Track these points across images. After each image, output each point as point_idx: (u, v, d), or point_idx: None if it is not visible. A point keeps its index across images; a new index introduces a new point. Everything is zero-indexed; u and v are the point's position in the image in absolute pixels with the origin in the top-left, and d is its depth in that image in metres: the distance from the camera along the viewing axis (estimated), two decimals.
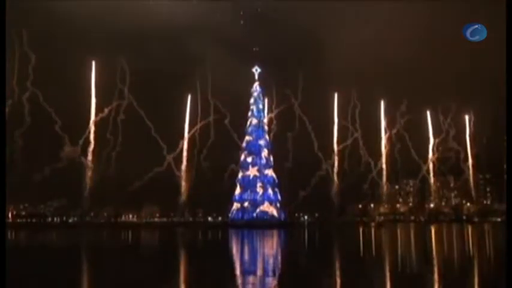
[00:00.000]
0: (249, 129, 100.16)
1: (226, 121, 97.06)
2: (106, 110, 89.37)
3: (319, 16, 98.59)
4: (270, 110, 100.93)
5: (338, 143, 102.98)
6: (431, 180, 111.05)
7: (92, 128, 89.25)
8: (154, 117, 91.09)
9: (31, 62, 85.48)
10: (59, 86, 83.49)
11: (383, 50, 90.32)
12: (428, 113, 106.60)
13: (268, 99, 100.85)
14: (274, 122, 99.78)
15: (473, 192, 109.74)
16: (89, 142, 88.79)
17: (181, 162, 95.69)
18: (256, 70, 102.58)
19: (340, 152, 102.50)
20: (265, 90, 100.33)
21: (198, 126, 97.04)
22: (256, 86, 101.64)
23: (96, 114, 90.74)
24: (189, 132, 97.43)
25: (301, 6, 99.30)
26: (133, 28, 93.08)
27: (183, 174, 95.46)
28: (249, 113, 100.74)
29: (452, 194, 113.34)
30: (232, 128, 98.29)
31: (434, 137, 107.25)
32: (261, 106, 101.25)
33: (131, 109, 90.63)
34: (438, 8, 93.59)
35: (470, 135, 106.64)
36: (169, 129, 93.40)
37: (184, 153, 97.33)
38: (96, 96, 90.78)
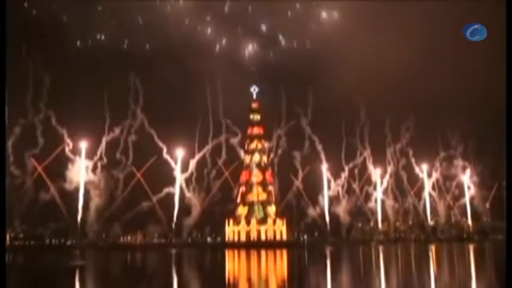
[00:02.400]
0: (250, 148, 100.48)
1: (235, 140, 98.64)
2: (117, 131, 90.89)
3: (324, 33, 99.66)
4: (277, 127, 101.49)
5: (346, 161, 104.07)
6: (432, 198, 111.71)
7: (103, 148, 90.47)
8: (165, 137, 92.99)
9: (45, 84, 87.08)
10: (72, 107, 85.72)
11: (389, 64, 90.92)
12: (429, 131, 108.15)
13: (276, 117, 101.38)
14: (283, 139, 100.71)
15: (472, 210, 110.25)
16: (98, 163, 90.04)
17: (190, 182, 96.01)
18: (254, 89, 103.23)
19: (349, 171, 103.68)
20: (272, 108, 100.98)
21: (208, 146, 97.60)
22: (254, 106, 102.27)
23: (108, 135, 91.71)
24: (198, 152, 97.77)
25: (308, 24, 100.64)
26: (144, 48, 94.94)
27: (190, 195, 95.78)
28: (248, 132, 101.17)
29: (452, 212, 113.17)
30: (239, 147, 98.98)
31: (436, 154, 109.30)
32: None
33: (142, 129, 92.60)
34: (442, 19, 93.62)
35: (471, 154, 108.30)
36: (179, 150, 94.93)
37: (193, 174, 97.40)
38: (109, 116, 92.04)
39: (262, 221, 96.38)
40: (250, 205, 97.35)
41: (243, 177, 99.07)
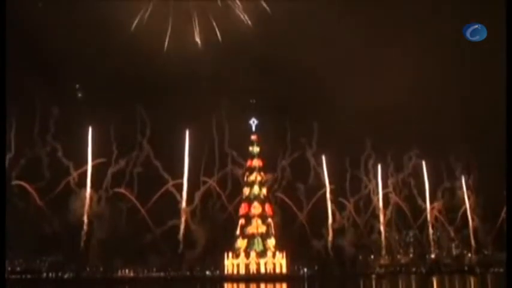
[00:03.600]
0: (249, 181, 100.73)
1: (240, 173, 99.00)
2: (123, 162, 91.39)
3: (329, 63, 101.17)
4: (282, 158, 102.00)
5: (351, 193, 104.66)
6: (434, 229, 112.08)
7: (109, 180, 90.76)
8: (171, 168, 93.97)
9: (53, 116, 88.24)
10: (79, 140, 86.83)
11: (394, 95, 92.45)
12: (424, 162, 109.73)
13: (281, 148, 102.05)
14: (288, 170, 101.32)
15: (474, 242, 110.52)
16: (103, 195, 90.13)
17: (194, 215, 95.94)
18: (253, 122, 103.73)
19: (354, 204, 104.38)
20: (276, 139, 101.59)
21: (214, 178, 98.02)
22: (253, 138, 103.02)
23: (114, 166, 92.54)
24: (203, 184, 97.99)
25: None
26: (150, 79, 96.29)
27: (195, 227, 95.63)
28: (248, 164, 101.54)
29: (453, 244, 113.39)
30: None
31: (436, 186, 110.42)
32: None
33: (148, 161, 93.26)
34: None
35: (475, 185, 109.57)
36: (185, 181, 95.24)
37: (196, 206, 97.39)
38: (117, 148, 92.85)
39: (262, 253, 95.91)
40: (250, 238, 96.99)
41: (243, 210, 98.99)
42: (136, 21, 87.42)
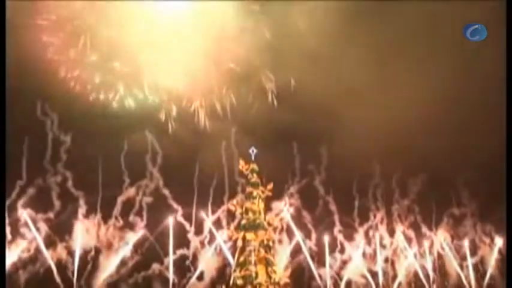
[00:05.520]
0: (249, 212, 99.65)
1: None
2: (132, 191, 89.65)
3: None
4: (289, 186, 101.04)
5: (360, 223, 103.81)
6: (439, 257, 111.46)
7: (118, 210, 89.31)
8: (180, 198, 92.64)
9: (64, 145, 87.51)
10: (89, 169, 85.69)
11: (405, 120, 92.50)
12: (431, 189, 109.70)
13: (290, 176, 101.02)
14: (296, 197, 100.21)
15: (480, 269, 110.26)
16: (111, 225, 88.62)
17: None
18: (252, 151, 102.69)
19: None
20: (283, 166, 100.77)
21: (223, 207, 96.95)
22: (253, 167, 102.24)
23: (123, 195, 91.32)
24: (212, 214, 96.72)
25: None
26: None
27: (203, 257, 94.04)
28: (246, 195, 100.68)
29: (460, 273, 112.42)
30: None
31: (444, 212, 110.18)
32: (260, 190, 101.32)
33: (157, 190, 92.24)
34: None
35: (481, 212, 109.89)
36: (194, 211, 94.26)
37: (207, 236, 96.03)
38: (128, 177, 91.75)
39: (261, 285, 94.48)
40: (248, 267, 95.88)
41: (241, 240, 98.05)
42: None
